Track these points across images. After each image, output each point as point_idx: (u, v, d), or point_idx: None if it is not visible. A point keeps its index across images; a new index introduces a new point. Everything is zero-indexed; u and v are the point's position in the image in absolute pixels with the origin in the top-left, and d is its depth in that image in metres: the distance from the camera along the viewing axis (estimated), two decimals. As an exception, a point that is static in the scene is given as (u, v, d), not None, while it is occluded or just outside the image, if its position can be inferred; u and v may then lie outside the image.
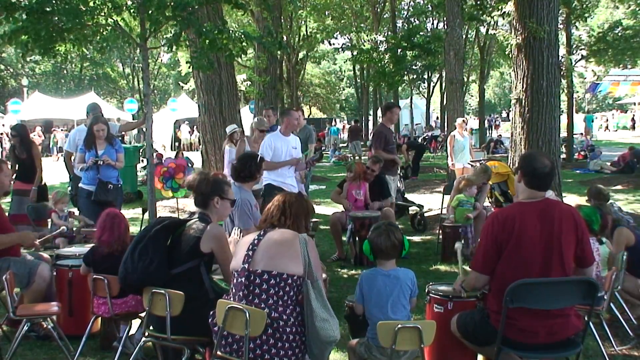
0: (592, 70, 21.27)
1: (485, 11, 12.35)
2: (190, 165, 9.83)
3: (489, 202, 8.04)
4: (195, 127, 30.15)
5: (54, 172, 16.06)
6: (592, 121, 30.99)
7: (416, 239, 8.34)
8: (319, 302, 2.94)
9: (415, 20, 27.72)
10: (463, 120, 10.94)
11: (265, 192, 6.14)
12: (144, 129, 21.95)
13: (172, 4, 6.36)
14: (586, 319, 3.33)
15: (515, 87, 9.01)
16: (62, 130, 28.31)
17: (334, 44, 32.28)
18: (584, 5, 18.26)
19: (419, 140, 24.26)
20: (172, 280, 3.35)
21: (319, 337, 2.89)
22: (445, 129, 14.89)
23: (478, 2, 12.77)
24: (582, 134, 26.46)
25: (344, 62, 48.18)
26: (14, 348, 4.02)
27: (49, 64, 41.17)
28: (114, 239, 4.14)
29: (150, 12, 6.45)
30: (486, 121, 28.78)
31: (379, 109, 36.44)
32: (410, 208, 9.43)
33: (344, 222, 7.09)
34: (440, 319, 3.57)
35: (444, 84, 23.55)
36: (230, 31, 7.24)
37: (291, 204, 3.18)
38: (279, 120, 6.78)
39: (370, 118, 37.71)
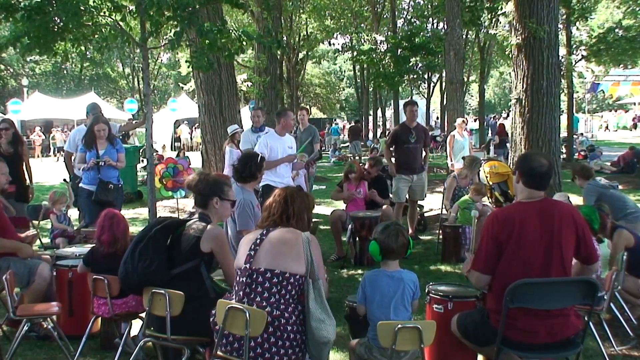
0: (592, 70, 21.25)
1: (477, 13, 12.35)
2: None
3: (489, 202, 8.03)
4: (194, 127, 30.16)
5: (54, 172, 16.07)
6: (578, 122, 31.09)
7: (416, 239, 8.34)
8: (317, 302, 2.93)
9: (416, 20, 27.70)
10: (463, 121, 10.95)
11: (264, 193, 6.13)
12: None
13: (173, 4, 6.35)
14: (586, 319, 3.33)
15: (515, 87, 9.01)
16: (61, 130, 28.30)
17: (334, 44, 32.22)
18: (584, 6, 18.24)
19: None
20: (172, 280, 3.35)
21: (314, 337, 2.89)
22: (445, 129, 14.88)
23: (478, 3, 12.78)
24: (578, 134, 26.46)
25: (344, 62, 48.17)
26: (14, 348, 4.02)
27: (49, 64, 41.07)
28: (113, 238, 4.14)
29: (151, 12, 6.44)
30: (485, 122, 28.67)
31: (379, 109, 36.51)
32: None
33: (344, 220, 7.09)
34: (440, 319, 3.57)
35: (444, 84, 23.58)
36: (230, 31, 7.24)
37: (293, 200, 3.17)
38: (275, 120, 6.78)
39: (370, 118, 37.67)
